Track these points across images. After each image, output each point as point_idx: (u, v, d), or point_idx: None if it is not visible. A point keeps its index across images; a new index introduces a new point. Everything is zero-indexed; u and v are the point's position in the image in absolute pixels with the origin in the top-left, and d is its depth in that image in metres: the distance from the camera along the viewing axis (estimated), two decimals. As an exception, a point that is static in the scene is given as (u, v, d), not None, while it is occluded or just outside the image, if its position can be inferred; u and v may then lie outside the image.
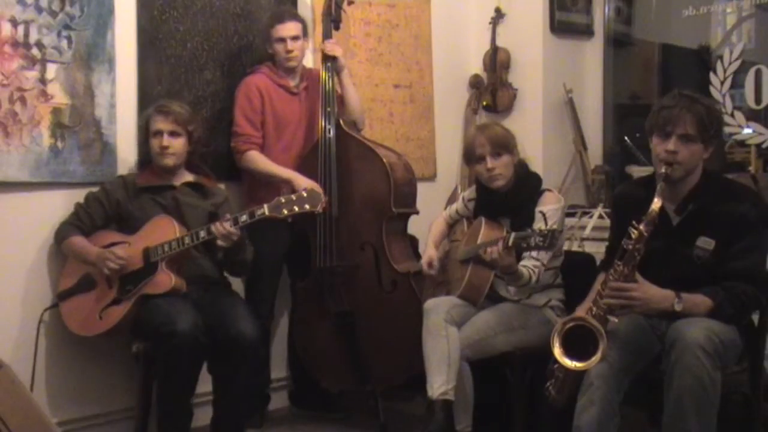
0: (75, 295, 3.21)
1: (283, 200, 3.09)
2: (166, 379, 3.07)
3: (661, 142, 2.65)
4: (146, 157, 3.39)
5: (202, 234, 3.09)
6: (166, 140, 3.26)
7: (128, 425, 3.39)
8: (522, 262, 3.01)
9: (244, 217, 3.10)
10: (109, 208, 3.27)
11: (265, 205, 3.08)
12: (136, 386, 3.29)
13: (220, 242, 3.12)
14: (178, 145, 3.28)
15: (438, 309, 3.04)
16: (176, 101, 3.40)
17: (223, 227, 3.07)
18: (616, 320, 2.59)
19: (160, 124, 3.26)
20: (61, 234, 3.23)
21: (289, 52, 3.61)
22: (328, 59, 3.65)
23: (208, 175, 3.45)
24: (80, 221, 3.24)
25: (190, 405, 3.18)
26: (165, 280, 3.10)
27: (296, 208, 3.08)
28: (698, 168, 2.70)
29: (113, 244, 3.18)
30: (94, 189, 3.30)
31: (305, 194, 3.09)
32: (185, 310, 3.03)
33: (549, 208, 3.09)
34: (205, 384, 3.23)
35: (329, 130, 3.59)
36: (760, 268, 2.67)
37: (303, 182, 3.45)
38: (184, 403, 3.13)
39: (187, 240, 3.10)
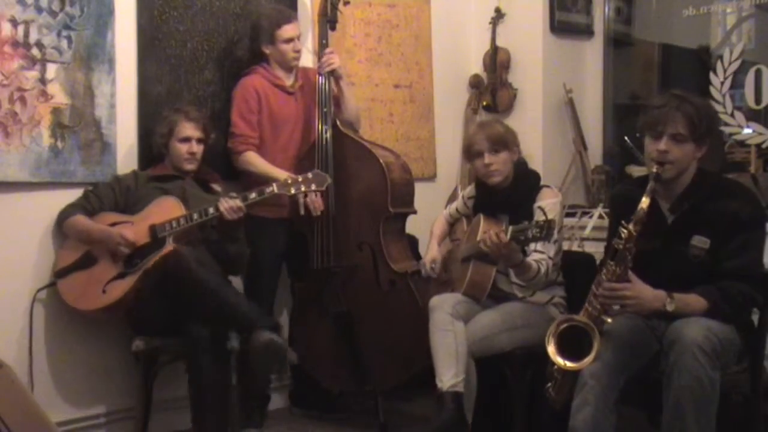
0: (75, 271, 3.18)
1: (290, 181, 3.17)
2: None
3: (652, 141, 2.66)
4: (159, 155, 3.42)
5: (211, 210, 3.13)
6: (195, 147, 3.33)
7: (128, 425, 3.39)
8: (528, 257, 3.01)
9: (253, 195, 3.15)
10: (119, 194, 3.28)
11: (274, 184, 3.15)
12: (136, 386, 3.29)
13: (225, 214, 3.12)
14: (200, 150, 3.37)
15: (443, 305, 3.06)
16: (192, 106, 3.45)
17: (232, 201, 3.11)
18: (610, 320, 2.59)
19: (190, 131, 3.33)
20: (65, 213, 3.22)
21: (297, 51, 3.64)
22: (328, 71, 3.65)
23: (213, 176, 3.51)
24: (88, 203, 3.24)
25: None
26: None
27: (303, 188, 3.17)
28: (692, 167, 2.70)
29: (115, 224, 3.19)
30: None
31: (311, 176, 3.17)
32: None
33: (547, 202, 3.09)
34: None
35: (326, 130, 3.59)
36: (755, 266, 2.66)
37: None
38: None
39: (195, 216, 3.13)
